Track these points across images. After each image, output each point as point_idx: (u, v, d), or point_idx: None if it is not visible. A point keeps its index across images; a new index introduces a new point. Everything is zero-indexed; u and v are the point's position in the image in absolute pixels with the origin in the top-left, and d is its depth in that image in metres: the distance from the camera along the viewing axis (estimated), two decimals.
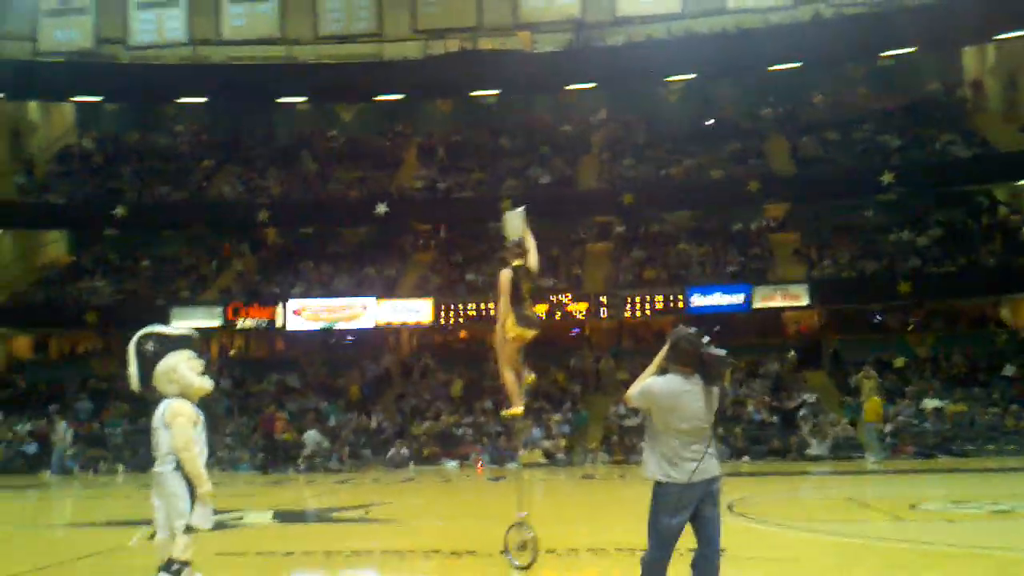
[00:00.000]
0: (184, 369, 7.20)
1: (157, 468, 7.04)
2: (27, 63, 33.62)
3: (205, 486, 6.98)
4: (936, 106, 33.02)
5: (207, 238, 35.78)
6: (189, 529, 6.95)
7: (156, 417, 7.07)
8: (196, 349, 7.44)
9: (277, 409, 26.87)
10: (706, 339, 5.58)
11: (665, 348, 5.67)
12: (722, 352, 5.56)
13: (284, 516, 13.92)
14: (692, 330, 5.65)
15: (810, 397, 25.46)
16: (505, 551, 8.29)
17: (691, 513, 5.54)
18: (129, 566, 9.58)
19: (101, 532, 12.70)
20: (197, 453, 7.01)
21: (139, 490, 19.63)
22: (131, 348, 7.35)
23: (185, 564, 7.01)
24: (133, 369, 7.31)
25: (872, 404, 22.27)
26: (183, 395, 7.16)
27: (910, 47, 31.58)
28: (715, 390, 5.59)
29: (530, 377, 8.58)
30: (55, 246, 36.16)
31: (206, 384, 7.30)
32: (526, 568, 8.17)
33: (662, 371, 5.66)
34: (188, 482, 6.98)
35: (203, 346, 7.91)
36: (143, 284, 32.54)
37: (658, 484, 5.56)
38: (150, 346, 7.30)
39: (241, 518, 13.45)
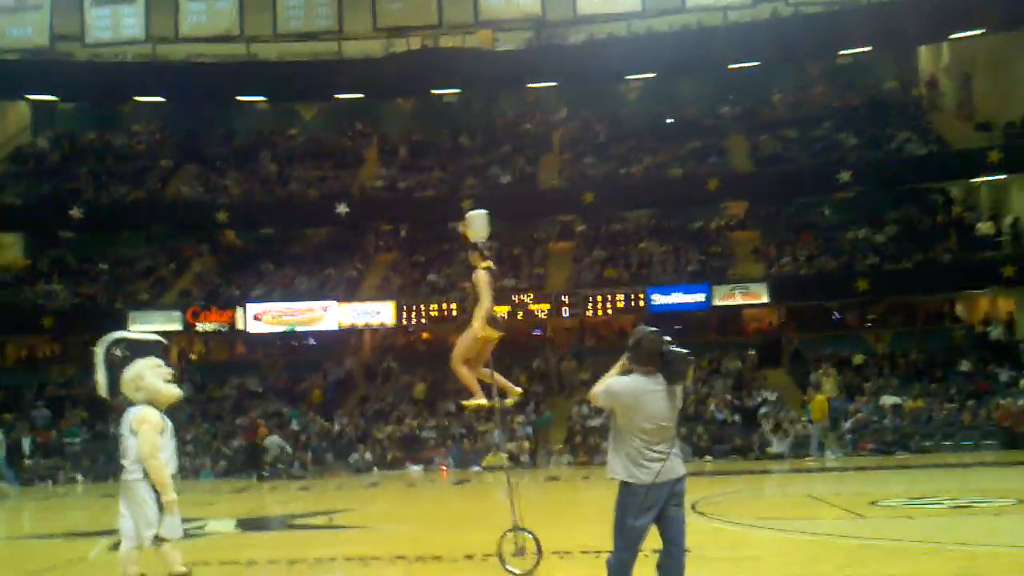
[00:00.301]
0: (151, 376, 7.15)
1: (125, 476, 6.98)
2: None
3: (169, 494, 6.92)
4: (893, 104, 33.50)
5: (166, 240, 35.37)
6: (158, 539, 6.90)
7: (123, 424, 7.03)
8: (163, 355, 7.40)
9: (258, 416, 26.46)
10: (667, 338, 5.59)
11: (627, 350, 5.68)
12: (684, 351, 5.56)
13: (247, 524, 13.81)
14: (653, 330, 5.65)
15: (771, 395, 25.68)
16: (499, 556, 8.21)
17: (656, 514, 5.53)
18: None
19: (60, 544, 12.52)
20: (163, 461, 6.96)
21: (99, 500, 19.38)
22: (98, 355, 7.30)
23: None
24: (101, 376, 7.28)
25: (818, 402, 22.46)
26: (150, 402, 7.10)
27: (867, 46, 31.95)
28: (678, 390, 5.60)
29: (516, 391, 8.58)
30: (10, 249, 35.49)
31: (174, 391, 7.26)
32: (526, 574, 8.07)
33: (626, 372, 5.65)
34: (156, 490, 6.92)
35: (168, 352, 7.91)
36: (100, 288, 32.03)
37: (624, 485, 5.54)
38: (117, 352, 7.28)
39: (203, 526, 13.31)
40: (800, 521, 11.81)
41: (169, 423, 7.22)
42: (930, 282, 28.38)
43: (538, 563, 8.12)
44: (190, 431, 26.61)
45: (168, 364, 7.45)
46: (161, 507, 6.93)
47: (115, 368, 7.25)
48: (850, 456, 22.73)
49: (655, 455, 5.48)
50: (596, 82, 35.80)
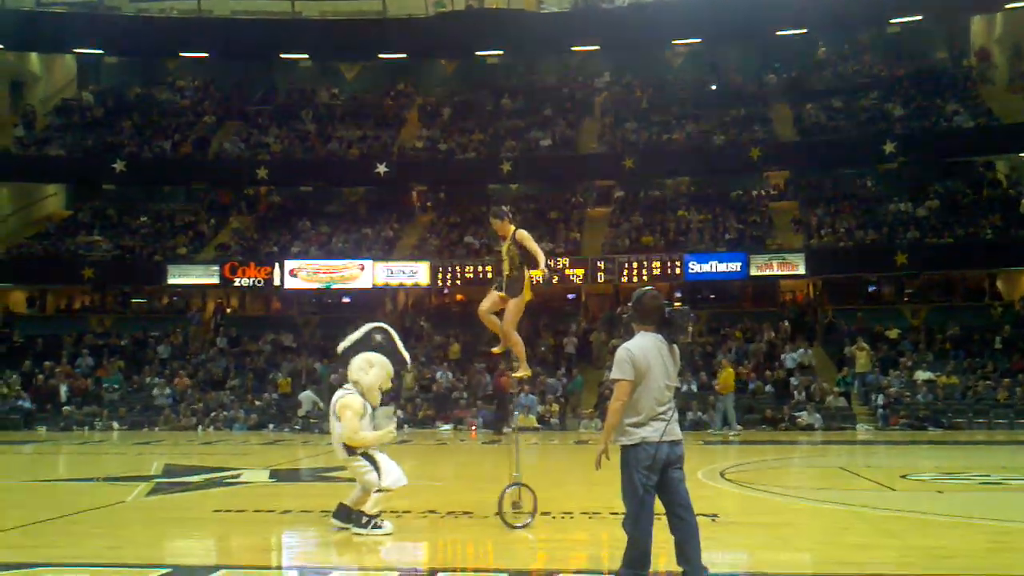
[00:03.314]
0: (376, 374, 8.13)
1: (337, 453, 8.22)
2: (29, 13, 33.34)
3: (388, 438, 8.22)
4: (942, 75, 32.89)
5: (206, 195, 35.73)
6: (381, 491, 8.07)
7: (331, 404, 8.15)
8: (396, 374, 8.45)
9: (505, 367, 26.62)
10: (665, 301, 5.69)
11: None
12: (684, 307, 5.68)
13: (281, 475, 14.01)
14: (651, 287, 5.79)
15: (795, 356, 25.48)
16: (499, 512, 8.38)
17: (659, 476, 5.55)
18: (130, 519, 9.67)
19: (101, 487, 12.82)
20: (364, 436, 8.08)
21: (134, 447, 19.78)
22: (366, 327, 8.49)
23: (374, 517, 8.09)
24: (350, 340, 8.39)
25: (725, 375, 22.11)
26: (359, 387, 8.12)
27: (918, 15, 31.29)
28: (676, 348, 5.66)
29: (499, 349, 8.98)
30: (53, 200, 36.06)
31: (375, 399, 8.23)
32: (522, 528, 8.31)
33: (628, 332, 5.72)
34: (366, 456, 8.07)
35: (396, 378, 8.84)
36: (140, 240, 32.45)
37: (630, 448, 5.57)
38: (377, 337, 8.40)
39: (238, 476, 13.56)
40: (831, 492, 11.80)
41: (370, 408, 8.17)
42: (971, 258, 28.04)
43: (533, 516, 8.48)
44: (226, 383, 27.05)
45: (395, 387, 8.62)
46: (378, 467, 8.05)
47: (363, 345, 8.32)
48: (881, 430, 22.60)
49: (660, 413, 5.54)
50: (640, 47, 35.52)
